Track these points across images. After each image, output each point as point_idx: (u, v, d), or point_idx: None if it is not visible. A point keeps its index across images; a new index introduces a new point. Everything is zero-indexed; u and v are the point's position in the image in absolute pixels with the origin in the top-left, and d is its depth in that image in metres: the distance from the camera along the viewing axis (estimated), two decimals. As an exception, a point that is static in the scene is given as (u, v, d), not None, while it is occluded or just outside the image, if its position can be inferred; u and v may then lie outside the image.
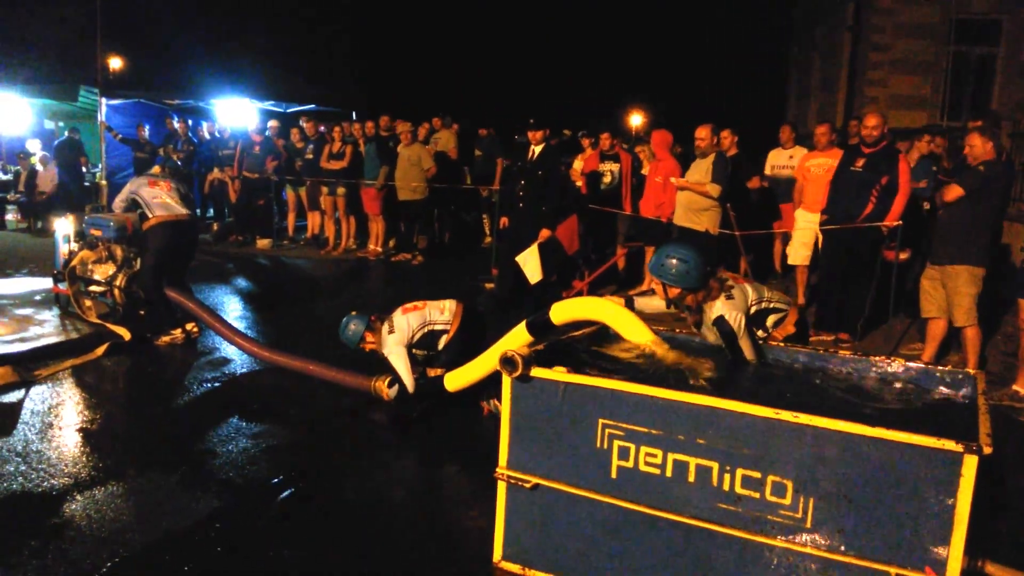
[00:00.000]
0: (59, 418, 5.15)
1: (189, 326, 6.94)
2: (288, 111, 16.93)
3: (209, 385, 6.03)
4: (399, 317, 5.26)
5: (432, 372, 5.25)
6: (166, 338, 6.87)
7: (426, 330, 5.31)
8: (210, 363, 6.49)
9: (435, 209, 12.01)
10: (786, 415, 2.70)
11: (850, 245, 6.83)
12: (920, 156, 8.38)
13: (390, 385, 5.25)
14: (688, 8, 25.78)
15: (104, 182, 15.02)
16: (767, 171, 9.29)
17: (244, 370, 6.29)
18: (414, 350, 5.32)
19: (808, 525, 2.68)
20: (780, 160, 9.19)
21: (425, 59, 25.05)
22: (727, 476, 2.81)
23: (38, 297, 8.17)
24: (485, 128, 13.11)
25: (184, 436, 4.95)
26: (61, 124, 16.25)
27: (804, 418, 2.67)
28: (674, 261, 3.87)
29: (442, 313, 5.37)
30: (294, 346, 6.27)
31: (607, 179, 9.36)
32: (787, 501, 2.71)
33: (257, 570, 3.45)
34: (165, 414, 5.40)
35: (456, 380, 4.91)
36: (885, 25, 14.01)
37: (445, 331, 5.35)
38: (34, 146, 15.75)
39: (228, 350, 6.69)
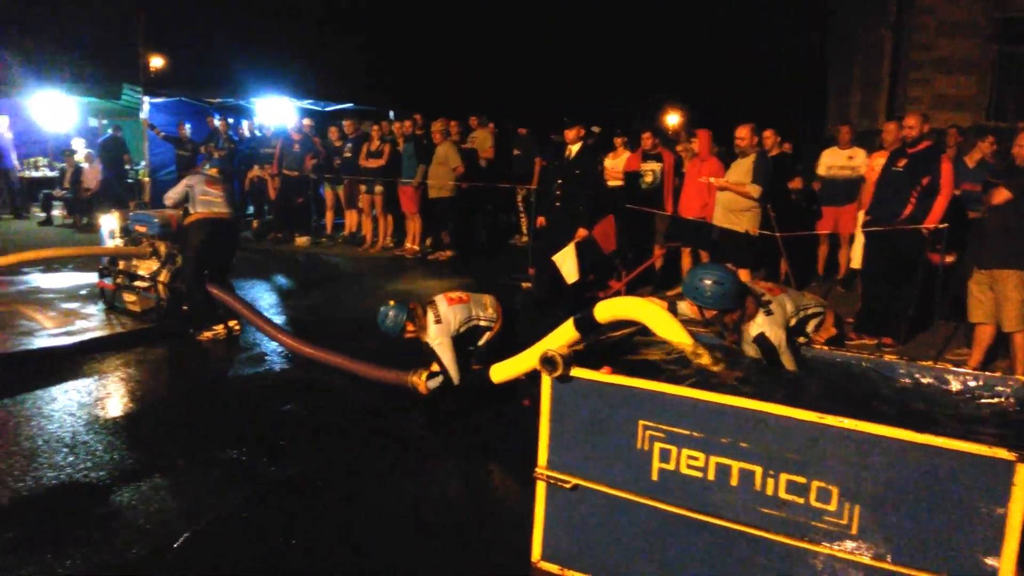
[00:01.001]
0: (105, 411, 5.26)
1: (231, 322, 7.04)
2: (327, 109, 17.10)
3: (249, 381, 6.12)
4: (445, 307, 5.24)
5: (473, 367, 5.27)
6: (208, 333, 6.98)
7: (471, 324, 5.31)
8: (251, 359, 6.58)
9: (467, 208, 12.03)
10: (831, 420, 2.67)
11: (893, 247, 6.73)
12: (981, 158, 8.15)
13: (428, 378, 5.28)
14: (725, 5, 25.49)
15: (147, 179, 15.30)
16: (822, 171, 9.05)
17: (284, 366, 6.37)
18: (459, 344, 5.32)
19: (854, 532, 2.65)
20: (838, 160, 8.93)
21: (464, 58, 25.06)
22: (771, 480, 2.79)
23: (83, 292, 8.34)
24: (524, 127, 13.11)
25: (224, 430, 5.03)
26: (105, 122, 16.57)
27: (849, 423, 2.64)
28: (709, 283, 3.79)
29: (486, 310, 5.38)
30: (331, 342, 6.33)
31: (648, 178, 9.28)
32: (832, 507, 2.68)
33: (293, 564, 3.50)
34: (206, 409, 5.50)
35: (502, 372, 4.91)
36: (928, 23, 13.74)
37: (489, 328, 5.36)
38: (78, 144, 16.07)
39: (268, 346, 6.78)
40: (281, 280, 10.03)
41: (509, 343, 5.20)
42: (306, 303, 8.76)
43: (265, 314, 7.10)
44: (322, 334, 6.99)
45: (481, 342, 5.38)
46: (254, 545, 3.64)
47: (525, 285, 9.19)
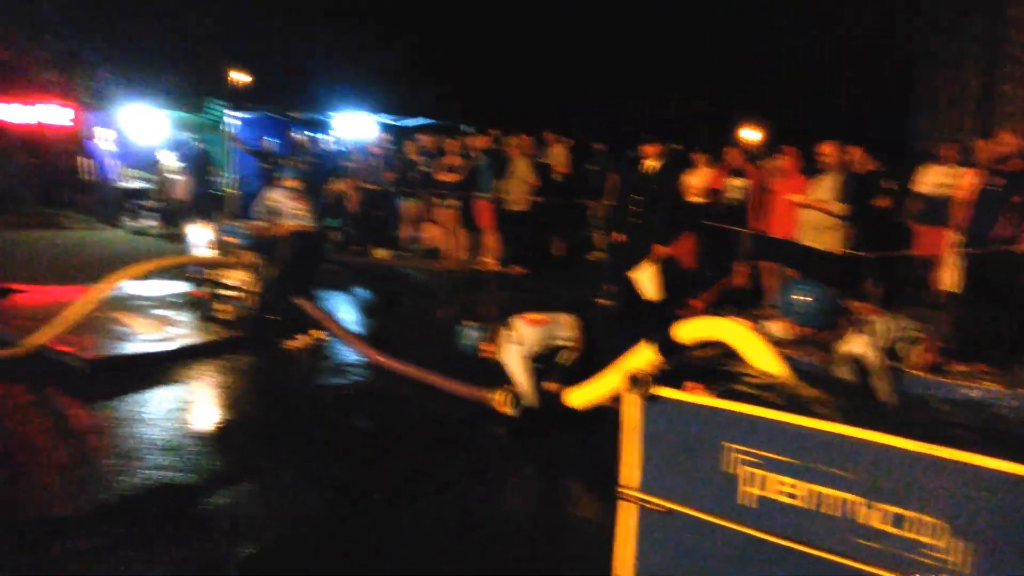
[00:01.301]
0: (196, 415, 5.47)
1: (315, 332, 7.24)
2: (405, 124, 17.41)
3: (332, 390, 6.27)
4: (523, 328, 5.28)
5: (549, 386, 5.29)
6: (293, 343, 7.18)
7: (550, 344, 5.34)
8: (333, 369, 6.73)
9: (543, 222, 12.08)
10: (935, 449, 2.58)
11: (988, 269, 6.50)
12: None
13: (509, 400, 5.31)
14: (805, 18, 24.98)
15: (232, 191, 15.80)
16: (923, 189, 8.74)
17: (364, 377, 6.49)
18: (535, 363, 5.36)
19: (958, 569, 2.56)
20: (940, 178, 8.57)
21: (541, 73, 25.18)
22: (868, 511, 2.72)
23: (175, 300, 8.65)
24: (600, 142, 13.11)
25: (308, 437, 5.17)
26: (191, 135, 17.20)
27: (954, 454, 2.55)
28: (803, 299, 3.73)
29: (564, 328, 5.40)
30: (410, 354, 6.42)
31: (733, 195, 9.15)
32: (935, 542, 2.59)
33: (373, 571, 3.58)
34: (291, 416, 5.65)
35: (579, 397, 4.92)
36: (1020, 36, 13.25)
37: (569, 347, 5.38)
38: (167, 156, 16.72)
39: (350, 357, 6.92)
40: (360, 292, 10.22)
41: (589, 362, 5.21)
42: (385, 315, 8.93)
43: (346, 325, 7.26)
44: (400, 345, 7.11)
45: (561, 361, 5.40)
46: (337, 550, 3.73)
47: (603, 302, 9.16)
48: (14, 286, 8.96)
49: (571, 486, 4.72)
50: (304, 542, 3.79)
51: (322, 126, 17.18)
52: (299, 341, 7.19)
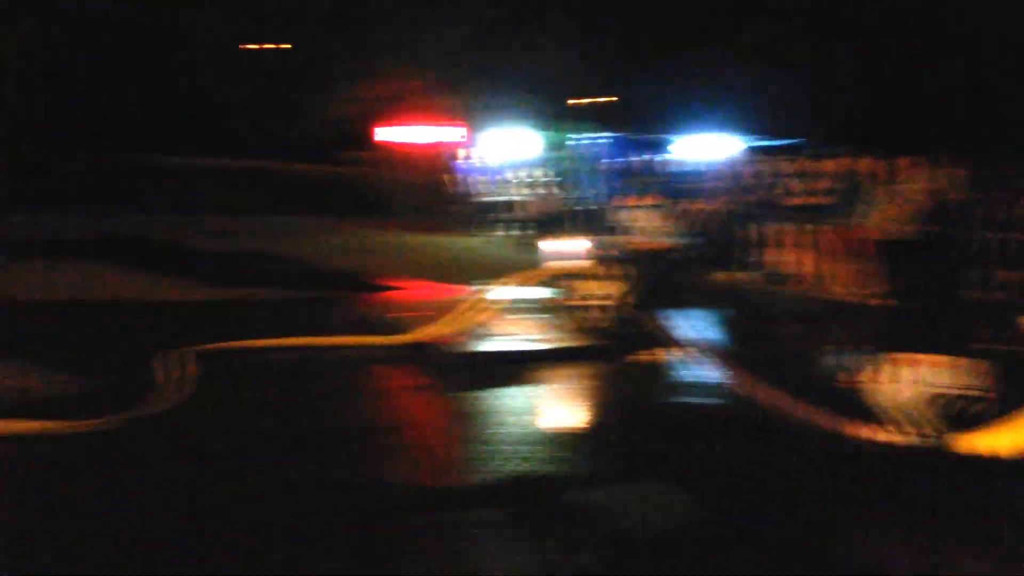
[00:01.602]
0: (552, 414, 5.87)
1: (667, 348, 7.29)
2: (768, 145, 16.96)
3: (679, 408, 6.21)
4: (914, 367, 4.91)
5: (940, 433, 4.75)
6: (645, 355, 7.27)
7: (942, 389, 4.83)
8: (683, 386, 6.70)
9: (926, 254, 10.95)
10: None
11: None
12: None
13: (890, 439, 4.85)
14: None
15: (592, 207, 16.54)
16: None
17: (717, 397, 6.31)
18: (927, 408, 4.86)
19: None
20: None
21: (915, 93, 22.96)
22: None
23: (542, 306, 9.09)
24: (1005, 167, 11.58)
25: (662, 452, 5.07)
26: (556, 154, 18.32)
27: None
28: None
29: (968, 374, 4.85)
30: (767, 378, 6.06)
31: None
32: None
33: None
34: (640, 428, 5.63)
35: (980, 443, 4.34)
36: None
37: (968, 395, 4.81)
38: (532, 173, 17.99)
39: (702, 375, 6.79)
40: (714, 312, 10.05)
41: (997, 412, 4.60)
42: (738, 335, 8.68)
43: (702, 344, 7.24)
44: (753, 368, 6.82)
45: (952, 406, 4.84)
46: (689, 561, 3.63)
47: (985, 347, 7.99)
48: (394, 283, 10.38)
49: (955, 547, 4.10)
50: (665, 551, 3.71)
51: (677, 147, 17.31)
52: (651, 355, 7.26)
